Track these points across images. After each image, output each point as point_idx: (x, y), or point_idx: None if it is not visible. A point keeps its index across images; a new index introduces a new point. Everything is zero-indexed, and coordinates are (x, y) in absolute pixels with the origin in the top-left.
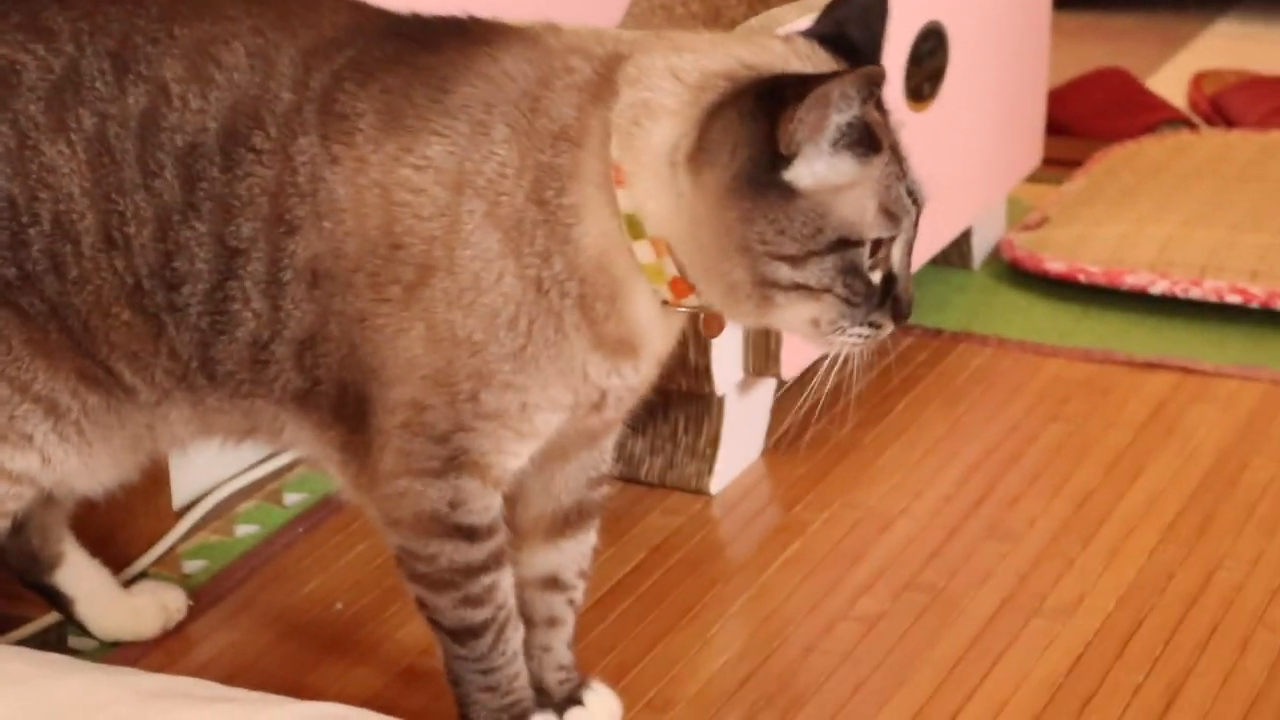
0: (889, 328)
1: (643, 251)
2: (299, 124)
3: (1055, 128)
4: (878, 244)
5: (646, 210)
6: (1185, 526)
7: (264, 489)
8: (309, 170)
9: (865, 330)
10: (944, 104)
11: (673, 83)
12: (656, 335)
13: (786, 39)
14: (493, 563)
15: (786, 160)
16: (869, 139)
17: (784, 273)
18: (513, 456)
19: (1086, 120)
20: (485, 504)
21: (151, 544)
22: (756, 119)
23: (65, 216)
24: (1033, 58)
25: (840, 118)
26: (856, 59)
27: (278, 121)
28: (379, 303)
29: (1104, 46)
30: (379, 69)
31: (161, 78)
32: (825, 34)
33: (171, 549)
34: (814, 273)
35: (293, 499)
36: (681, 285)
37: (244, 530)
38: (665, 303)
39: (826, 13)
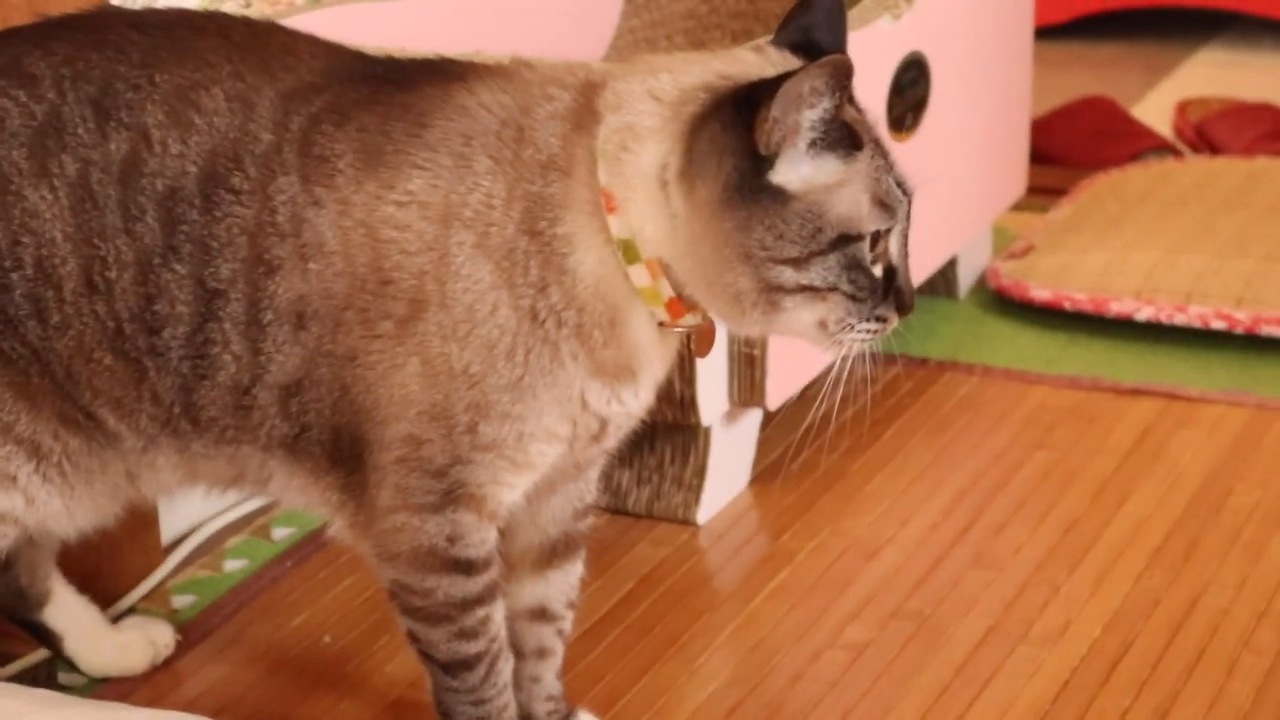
0: (894, 320)
1: (639, 275)
2: (278, 164)
3: (1041, 156)
4: (876, 237)
5: (644, 234)
6: (1171, 552)
7: (252, 524)
8: (289, 211)
9: (873, 325)
10: (927, 134)
11: (653, 104)
12: (655, 358)
13: (757, 49)
14: (487, 596)
15: (769, 162)
16: (849, 137)
17: (788, 276)
18: (508, 489)
19: (1072, 149)
20: (482, 537)
21: (140, 580)
22: (737, 127)
23: (48, 261)
24: (1016, 86)
25: (813, 113)
26: None
27: (257, 162)
28: (370, 339)
29: (1089, 75)
30: (355, 109)
31: (143, 124)
32: (794, 40)
33: (160, 584)
34: (818, 272)
35: (281, 534)
36: (678, 306)
37: (232, 565)
38: (662, 324)
39: (791, 20)
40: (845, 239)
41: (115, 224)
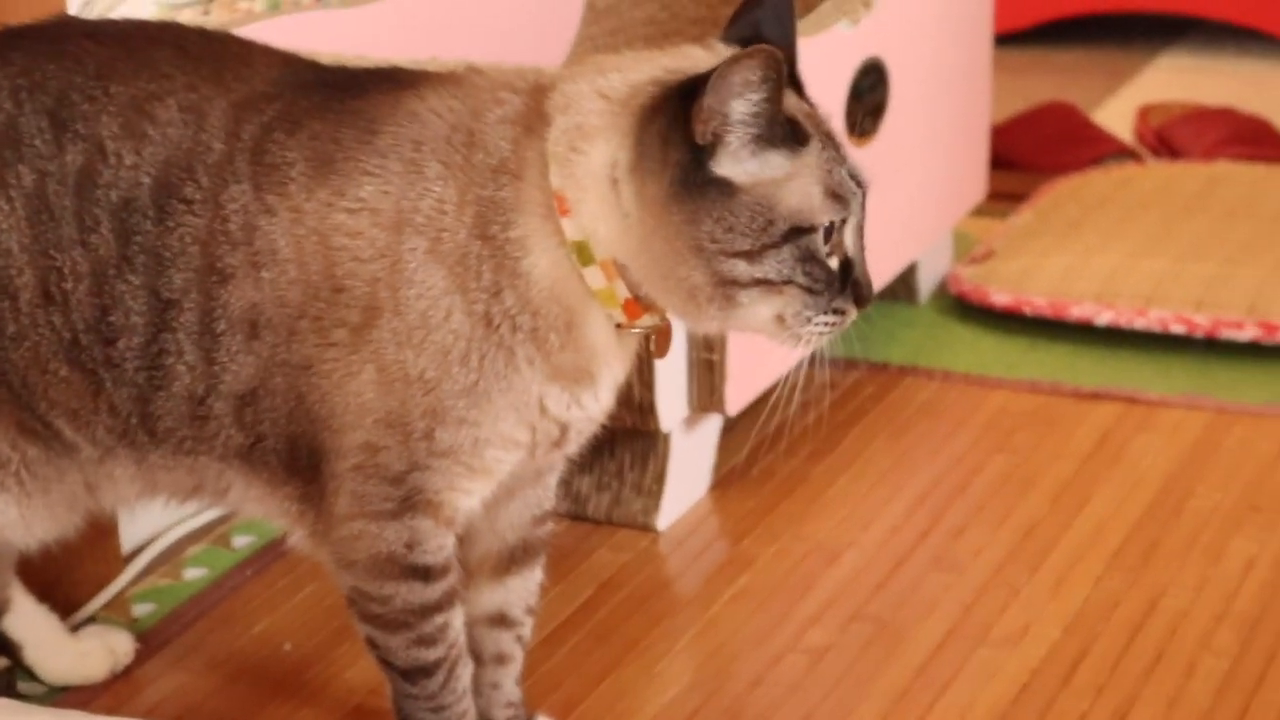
0: (853, 313)
1: (594, 277)
2: (230, 173)
3: (1002, 162)
4: (830, 229)
5: (597, 235)
6: (1130, 555)
7: (212, 532)
8: (241, 219)
9: (831, 317)
10: (886, 139)
11: (601, 103)
12: (614, 360)
13: (706, 45)
14: (446, 602)
15: (710, 153)
16: (795, 131)
17: (742, 269)
18: (465, 495)
19: (1033, 154)
20: (439, 544)
21: (100, 588)
22: (680, 119)
23: (3, 273)
24: (976, 92)
25: (744, 103)
26: None
27: (209, 171)
28: (325, 348)
29: (1050, 81)
30: (307, 117)
31: (98, 135)
32: (743, 36)
33: (120, 593)
34: (773, 265)
35: (241, 542)
36: (634, 307)
37: (192, 573)
38: (619, 326)
39: (739, 16)
40: (798, 231)
41: (71, 235)
